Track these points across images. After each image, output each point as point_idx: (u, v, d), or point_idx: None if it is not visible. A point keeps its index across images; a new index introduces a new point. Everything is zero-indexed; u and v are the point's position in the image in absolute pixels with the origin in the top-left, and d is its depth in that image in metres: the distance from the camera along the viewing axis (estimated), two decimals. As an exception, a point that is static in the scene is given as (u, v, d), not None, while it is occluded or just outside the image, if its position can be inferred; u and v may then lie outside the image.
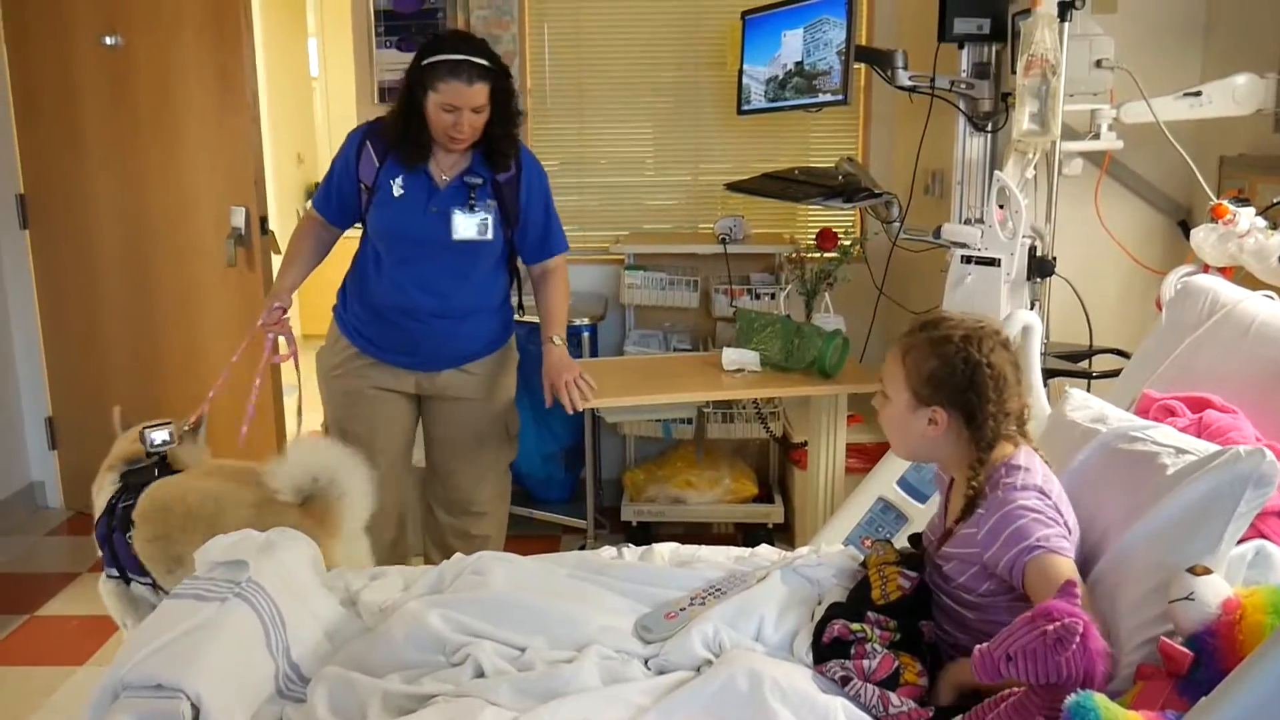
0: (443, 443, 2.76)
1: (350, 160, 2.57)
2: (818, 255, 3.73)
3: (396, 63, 3.86)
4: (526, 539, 2.72)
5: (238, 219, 3.46)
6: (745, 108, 3.32)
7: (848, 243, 3.70)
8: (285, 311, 2.58)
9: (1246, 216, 2.29)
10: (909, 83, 2.76)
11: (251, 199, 3.48)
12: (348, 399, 2.67)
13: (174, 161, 3.58)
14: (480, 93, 2.39)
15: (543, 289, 2.72)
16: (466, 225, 2.52)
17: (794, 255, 3.75)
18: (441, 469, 2.79)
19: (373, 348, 2.64)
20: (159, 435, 2.30)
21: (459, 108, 2.39)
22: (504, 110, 2.48)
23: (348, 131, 2.66)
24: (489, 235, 2.54)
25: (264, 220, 3.52)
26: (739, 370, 2.96)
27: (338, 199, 2.62)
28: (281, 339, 2.59)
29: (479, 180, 2.52)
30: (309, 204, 2.73)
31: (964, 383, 1.63)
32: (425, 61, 2.40)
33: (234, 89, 3.42)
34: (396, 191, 2.51)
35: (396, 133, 2.49)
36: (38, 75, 3.73)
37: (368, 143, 2.56)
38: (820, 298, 3.55)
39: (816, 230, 3.85)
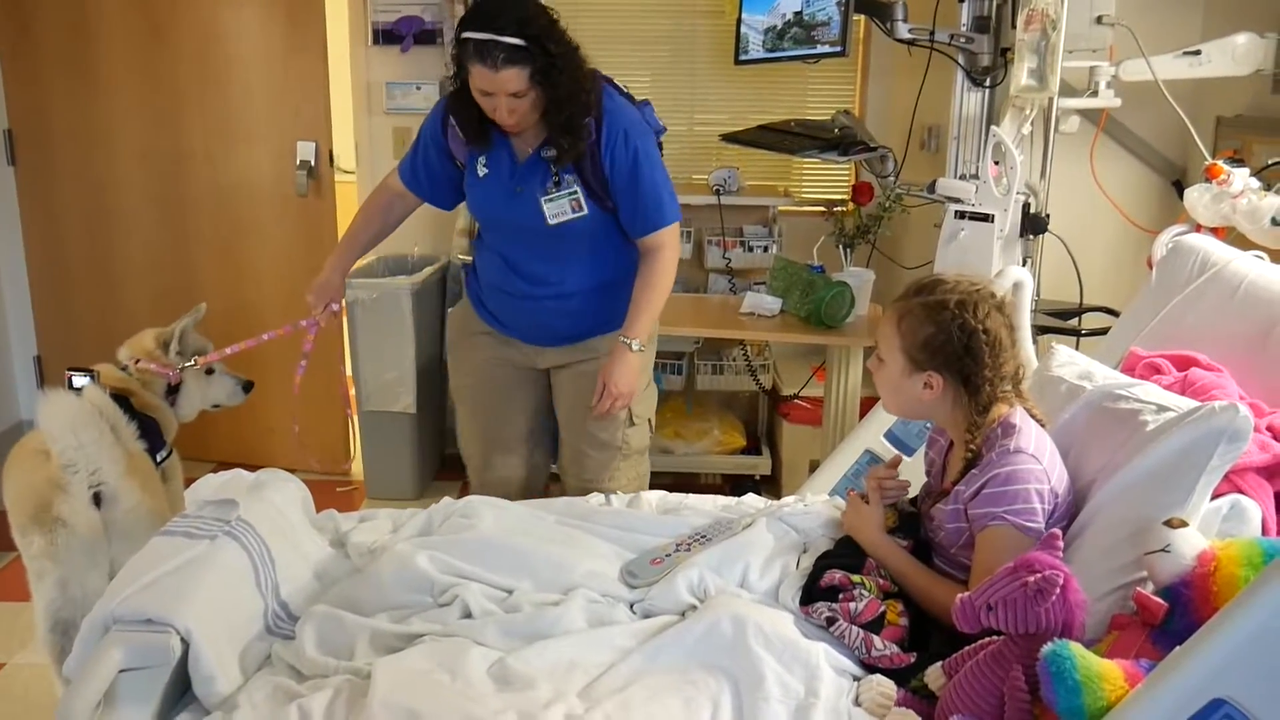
0: (562, 419, 2.53)
1: (438, 133, 2.31)
2: (851, 209, 3.64)
3: (392, 2, 3.82)
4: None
5: (306, 153, 3.68)
6: (742, 58, 3.29)
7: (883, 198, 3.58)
8: (339, 313, 2.49)
9: (1241, 177, 2.29)
10: (908, 35, 2.74)
11: (323, 134, 3.69)
12: (474, 370, 2.52)
13: (222, 100, 3.72)
14: (512, 78, 2.06)
15: (639, 271, 2.35)
16: (557, 206, 2.25)
17: (829, 209, 3.66)
18: (564, 445, 2.55)
19: (495, 322, 2.47)
20: (79, 379, 2.29)
21: (492, 93, 2.10)
22: (555, 93, 2.12)
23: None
24: (584, 210, 2.25)
25: (331, 154, 3.77)
26: (751, 313, 2.99)
27: (425, 172, 2.39)
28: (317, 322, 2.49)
29: (554, 153, 2.23)
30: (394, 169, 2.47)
31: (960, 349, 1.64)
32: (460, 35, 2.09)
33: (305, 29, 3.59)
34: (481, 171, 2.29)
35: (457, 113, 2.23)
36: (29, 14, 3.72)
37: (451, 116, 2.27)
38: (851, 251, 3.43)
39: (811, 184, 3.82)
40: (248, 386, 2.67)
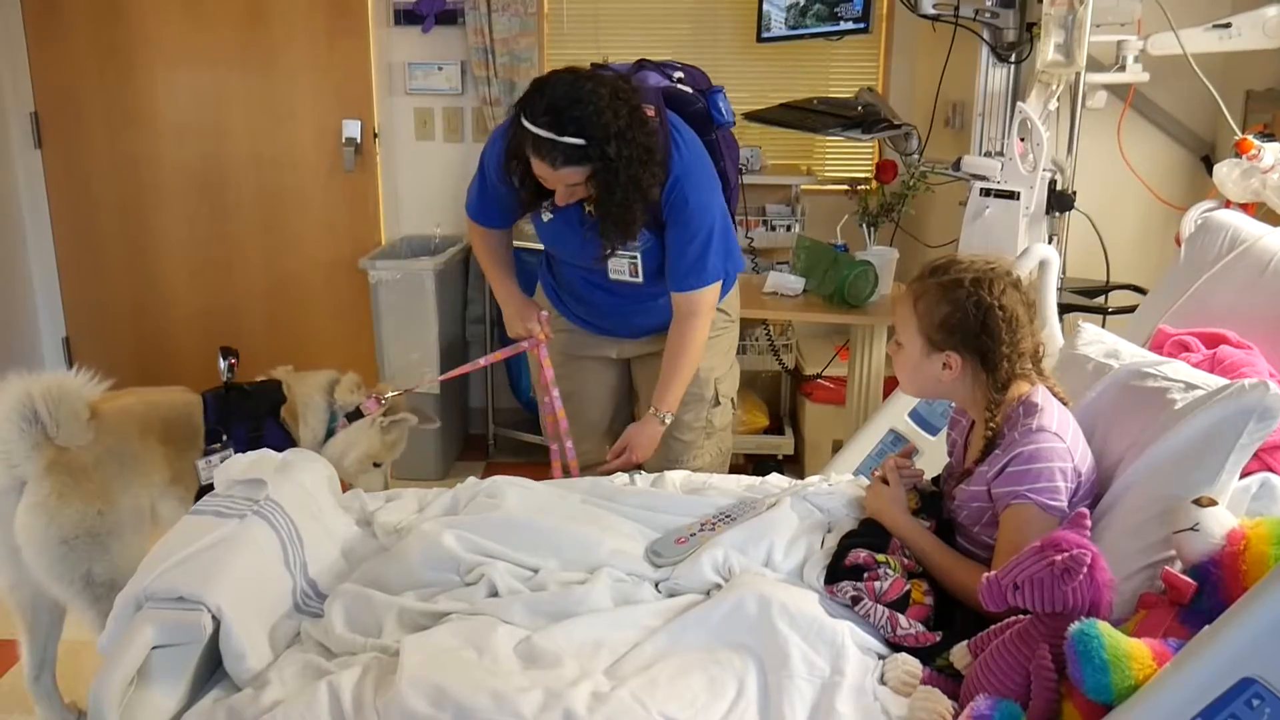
0: (646, 405, 2.46)
1: (501, 169, 2.18)
2: (874, 187, 3.60)
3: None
4: (539, 465, 2.73)
5: (352, 130, 3.89)
6: (765, 35, 3.27)
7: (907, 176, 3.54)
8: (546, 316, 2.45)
9: (1271, 152, 2.26)
10: (932, 11, 2.72)
11: (367, 112, 3.88)
12: (554, 362, 2.48)
13: (266, 80, 3.88)
14: (571, 175, 2.02)
15: (670, 334, 2.31)
16: (617, 264, 2.25)
17: (852, 187, 3.64)
18: None
19: (571, 315, 2.48)
20: (223, 362, 2.32)
21: (548, 178, 2.06)
22: (610, 194, 2.04)
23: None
24: (639, 278, 2.26)
25: (375, 131, 3.94)
26: (774, 293, 2.98)
27: (495, 203, 2.31)
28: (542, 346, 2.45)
29: None
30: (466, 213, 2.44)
31: (977, 327, 1.64)
32: (519, 120, 2.01)
33: (349, 14, 3.79)
34: (545, 216, 2.21)
35: (514, 179, 2.13)
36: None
37: (509, 177, 2.20)
38: (875, 230, 3.41)
39: (833, 162, 3.79)
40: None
